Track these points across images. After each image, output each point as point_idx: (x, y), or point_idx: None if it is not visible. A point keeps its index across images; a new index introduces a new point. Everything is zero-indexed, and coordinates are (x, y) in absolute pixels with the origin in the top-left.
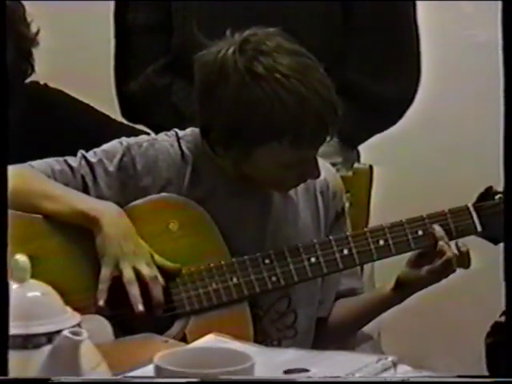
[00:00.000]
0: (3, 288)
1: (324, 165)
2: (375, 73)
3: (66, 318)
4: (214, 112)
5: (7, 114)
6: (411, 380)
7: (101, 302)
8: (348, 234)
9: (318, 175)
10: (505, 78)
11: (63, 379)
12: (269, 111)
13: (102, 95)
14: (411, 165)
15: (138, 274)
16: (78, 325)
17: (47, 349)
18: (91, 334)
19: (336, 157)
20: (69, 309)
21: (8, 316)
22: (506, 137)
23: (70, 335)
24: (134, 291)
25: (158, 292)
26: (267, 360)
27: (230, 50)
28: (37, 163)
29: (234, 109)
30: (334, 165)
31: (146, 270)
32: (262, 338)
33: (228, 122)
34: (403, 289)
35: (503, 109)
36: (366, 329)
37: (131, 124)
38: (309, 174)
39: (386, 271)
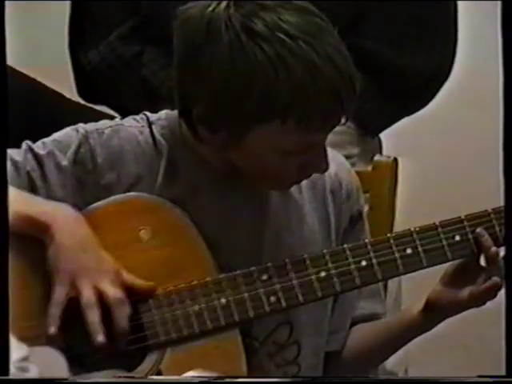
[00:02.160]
0: (3, 288)
1: (335, 157)
2: (401, 42)
3: (11, 350)
4: (198, 83)
5: (7, 114)
6: (411, 380)
7: (52, 330)
8: (366, 240)
9: (326, 168)
10: (504, 78)
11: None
12: (270, 81)
13: (52, 68)
14: (445, 157)
15: (99, 296)
16: (26, 358)
17: None
18: (41, 371)
19: (351, 147)
20: (13, 338)
21: (8, 316)
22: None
23: (16, 371)
24: (93, 317)
25: (122, 318)
26: None
27: (223, 4)
28: None
29: (226, 77)
30: (348, 157)
31: (110, 291)
32: (258, 376)
33: (217, 95)
34: (434, 312)
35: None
36: (390, 364)
37: (90, 105)
38: (314, 165)
39: (418, 290)
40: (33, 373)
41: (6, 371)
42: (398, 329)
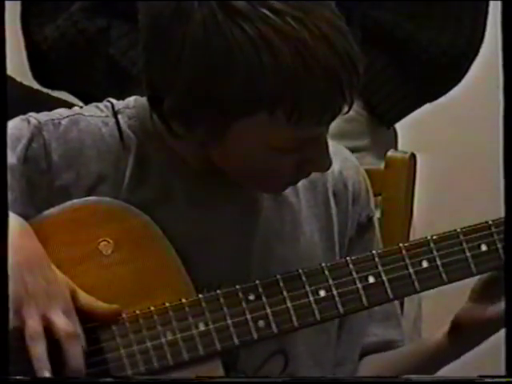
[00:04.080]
0: (3, 288)
1: (340, 151)
2: (424, 15)
3: None
4: (168, 70)
5: (7, 114)
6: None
7: None
8: (374, 252)
9: (328, 166)
10: (504, 79)
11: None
12: (253, 66)
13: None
14: (471, 153)
15: (48, 327)
16: None
17: None
18: None
19: (360, 138)
20: None
21: (8, 316)
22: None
23: None
24: (38, 352)
25: (76, 356)
26: None
27: None
28: None
29: (199, 63)
30: (356, 151)
31: (60, 322)
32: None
33: (190, 84)
34: (463, 334)
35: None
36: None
37: (46, 90)
38: (314, 164)
39: (442, 312)
40: None
41: (6, 371)
42: (419, 358)
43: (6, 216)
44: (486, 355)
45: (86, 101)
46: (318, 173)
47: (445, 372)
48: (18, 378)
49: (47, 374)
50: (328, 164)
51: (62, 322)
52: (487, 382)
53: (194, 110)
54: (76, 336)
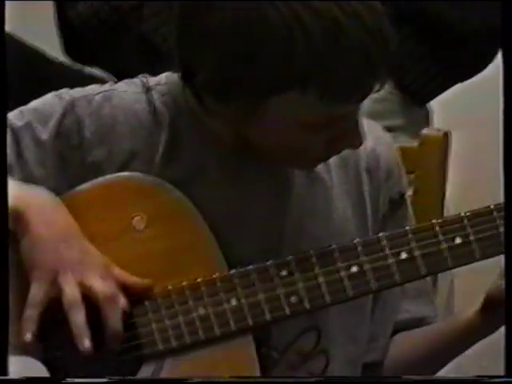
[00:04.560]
0: (3, 288)
1: (373, 129)
2: None
3: None
4: (201, 46)
5: (7, 114)
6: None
7: (27, 336)
8: (407, 228)
9: (360, 143)
10: (504, 79)
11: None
12: (285, 44)
13: (34, 23)
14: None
15: (86, 293)
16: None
17: None
18: None
19: (394, 117)
20: None
21: (8, 316)
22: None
23: None
24: (78, 319)
25: (115, 319)
26: None
27: None
28: None
29: (234, 40)
30: (390, 130)
31: (100, 286)
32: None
33: (224, 61)
34: (495, 310)
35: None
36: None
37: (78, 66)
38: (345, 141)
39: (474, 288)
40: None
41: (6, 371)
42: (451, 335)
43: (6, 216)
44: (486, 355)
45: (117, 77)
46: (350, 149)
47: (445, 372)
48: (18, 378)
49: (87, 342)
50: (359, 141)
51: (100, 286)
52: (487, 382)
53: (226, 86)
54: (114, 298)
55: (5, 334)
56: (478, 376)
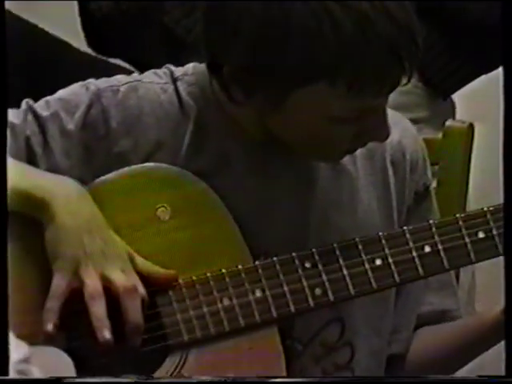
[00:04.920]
0: (3, 287)
1: (399, 121)
2: None
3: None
4: (228, 37)
5: (6, 114)
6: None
7: (49, 327)
8: (431, 221)
9: (386, 136)
10: (504, 79)
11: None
12: (313, 36)
13: (57, 14)
14: None
15: (107, 286)
16: (26, 360)
17: None
18: (46, 375)
19: (419, 110)
20: (11, 336)
21: (8, 316)
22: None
23: (15, 375)
24: (98, 311)
25: (135, 312)
26: None
27: None
28: None
29: (262, 32)
30: (415, 122)
31: (120, 279)
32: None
33: (250, 52)
34: None
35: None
36: (463, 372)
37: (102, 57)
38: (372, 133)
39: (494, 282)
40: (35, 377)
41: (6, 371)
42: (477, 332)
43: (6, 214)
44: (486, 355)
45: (140, 68)
46: (377, 142)
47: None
48: (17, 378)
49: (107, 333)
50: (386, 134)
51: (121, 279)
52: (487, 381)
53: (253, 77)
54: (135, 291)
55: (5, 333)
56: (479, 376)
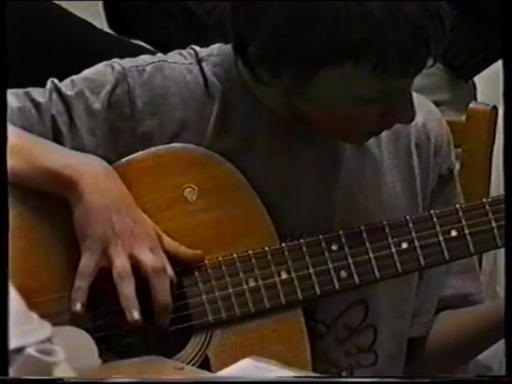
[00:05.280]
0: (3, 287)
1: (424, 104)
2: None
3: (31, 330)
4: (254, 17)
5: (6, 114)
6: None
7: (77, 307)
8: (457, 206)
9: (412, 118)
10: (504, 79)
11: (73, 380)
12: (339, 16)
13: None
14: None
15: (136, 265)
16: (49, 339)
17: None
18: (68, 355)
19: (441, 92)
20: (35, 316)
21: (8, 316)
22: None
23: (38, 354)
24: (127, 290)
25: (164, 292)
26: None
27: None
28: None
29: (288, 12)
30: (437, 104)
31: (150, 259)
32: (324, 366)
33: (276, 32)
34: None
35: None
36: (484, 357)
37: (125, 38)
38: (397, 116)
39: None
40: (58, 357)
41: (6, 371)
42: (496, 319)
43: (7, 212)
44: (486, 354)
45: (161, 50)
46: (402, 125)
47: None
48: (17, 377)
49: (136, 314)
50: (412, 116)
51: (150, 259)
52: (487, 381)
53: (279, 57)
54: (163, 271)
55: (5, 333)
56: (478, 376)
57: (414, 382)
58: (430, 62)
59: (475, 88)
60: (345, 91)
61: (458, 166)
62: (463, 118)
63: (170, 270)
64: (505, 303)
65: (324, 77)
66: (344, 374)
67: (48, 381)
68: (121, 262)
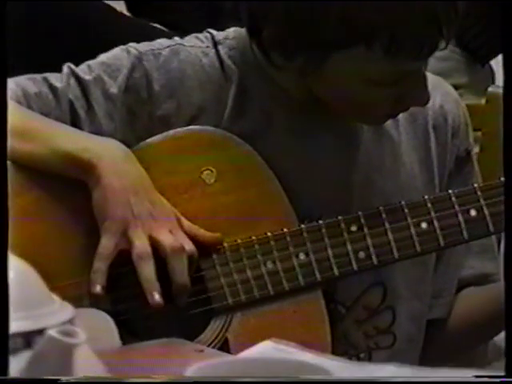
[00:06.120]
0: (3, 286)
1: (441, 85)
2: None
3: (53, 311)
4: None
5: (6, 114)
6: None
7: (96, 288)
8: (476, 185)
9: (427, 101)
10: (504, 79)
11: (72, 380)
12: (353, 0)
13: None
14: None
15: (155, 247)
16: (71, 321)
17: (24, 356)
18: (89, 336)
19: (458, 76)
20: (56, 298)
21: (8, 315)
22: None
23: (60, 336)
24: (148, 272)
25: (182, 272)
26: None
27: None
28: None
29: None
30: (455, 88)
31: (169, 239)
32: (343, 348)
33: (289, 15)
34: None
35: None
36: (501, 339)
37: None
38: (412, 98)
39: None
40: (79, 338)
41: (6, 371)
42: None
43: (7, 209)
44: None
45: (179, 33)
46: (418, 107)
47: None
48: (18, 377)
49: (157, 296)
50: (426, 99)
51: (169, 239)
52: (486, 381)
53: (292, 41)
54: (182, 251)
55: (5, 333)
56: (477, 376)
57: (413, 382)
58: (442, 44)
59: (493, 72)
60: (358, 74)
61: (477, 150)
62: (482, 101)
63: (190, 247)
64: (505, 303)
65: (337, 60)
66: (362, 356)
67: (48, 381)
68: (141, 244)
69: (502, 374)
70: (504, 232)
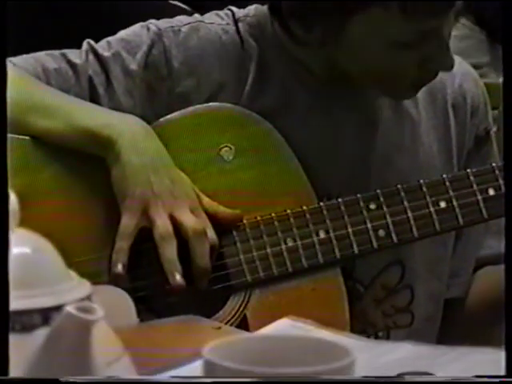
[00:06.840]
0: (3, 285)
1: (459, 65)
2: None
3: (71, 288)
4: None
5: (6, 114)
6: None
7: (118, 268)
8: (494, 164)
9: (452, 65)
10: (504, 79)
11: (72, 379)
12: None
13: None
14: None
15: (177, 227)
16: (89, 298)
17: (42, 333)
18: (106, 313)
19: (479, 55)
20: (74, 274)
21: (8, 314)
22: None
23: (77, 313)
24: (170, 252)
25: (204, 255)
26: (371, 358)
27: None
28: (20, 60)
29: None
30: (476, 67)
31: (191, 221)
32: (361, 326)
33: None
34: None
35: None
36: None
37: None
38: (436, 62)
39: None
40: (97, 315)
41: (6, 371)
42: None
43: (7, 206)
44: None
45: (198, 10)
46: (438, 85)
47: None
48: (18, 377)
49: (178, 277)
50: (451, 63)
51: (191, 221)
52: (486, 382)
53: (309, 9)
54: (204, 235)
55: (5, 333)
56: (477, 376)
57: (413, 382)
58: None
59: None
60: (378, 37)
61: (495, 128)
62: (501, 80)
63: (212, 234)
64: (505, 302)
65: (355, 25)
66: (380, 334)
67: (48, 381)
68: (163, 224)
69: (502, 374)
70: (504, 232)
